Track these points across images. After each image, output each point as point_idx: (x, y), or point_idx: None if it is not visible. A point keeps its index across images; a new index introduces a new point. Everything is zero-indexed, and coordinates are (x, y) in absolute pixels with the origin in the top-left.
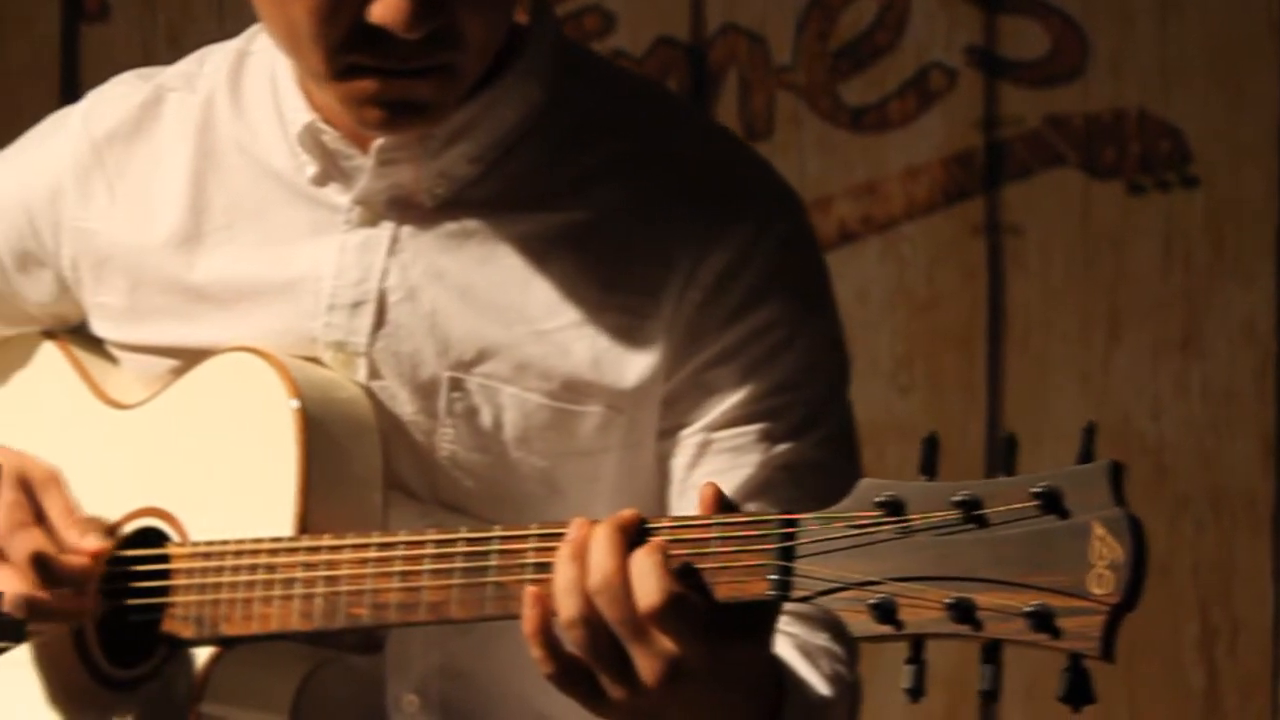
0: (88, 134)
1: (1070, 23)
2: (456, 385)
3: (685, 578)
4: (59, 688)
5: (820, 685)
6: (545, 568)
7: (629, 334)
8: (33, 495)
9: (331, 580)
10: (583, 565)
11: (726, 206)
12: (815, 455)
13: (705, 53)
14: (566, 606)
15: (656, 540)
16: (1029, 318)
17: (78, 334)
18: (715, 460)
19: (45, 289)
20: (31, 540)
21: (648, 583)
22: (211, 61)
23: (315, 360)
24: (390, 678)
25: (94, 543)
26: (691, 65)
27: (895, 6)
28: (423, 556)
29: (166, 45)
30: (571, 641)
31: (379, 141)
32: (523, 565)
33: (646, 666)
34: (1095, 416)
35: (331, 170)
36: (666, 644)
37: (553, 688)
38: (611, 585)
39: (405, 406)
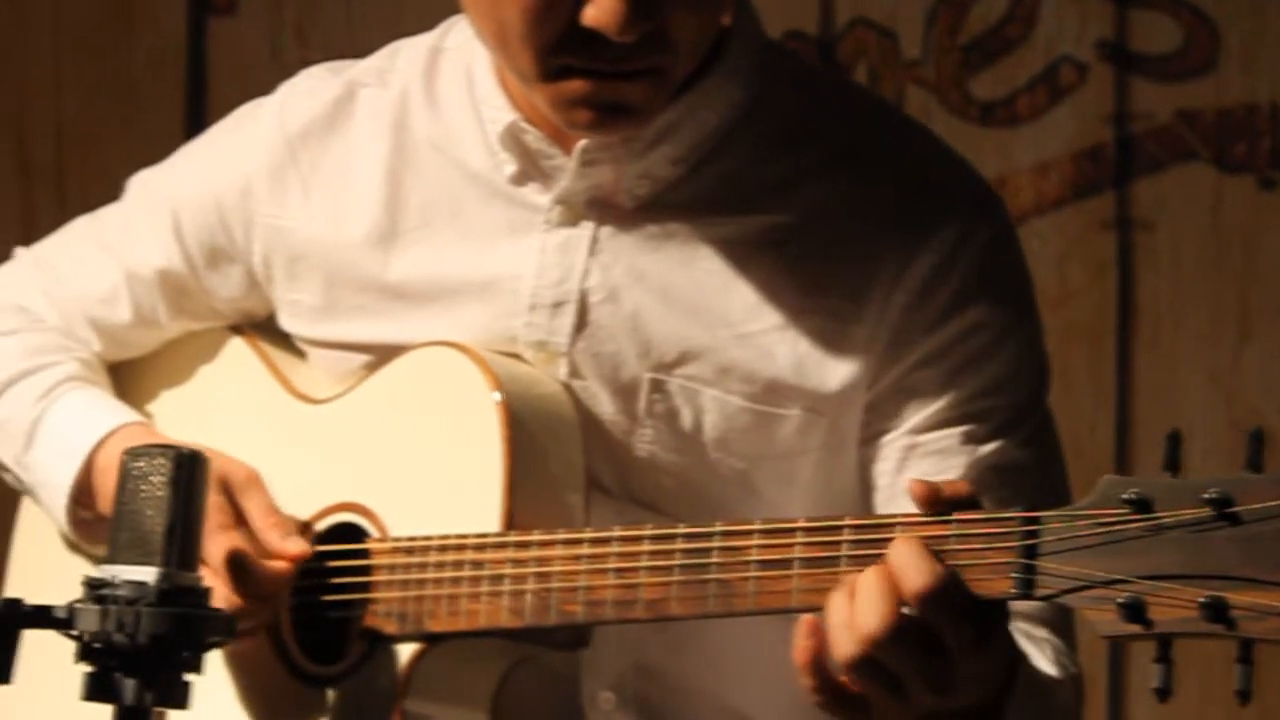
0: (281, 129)
1: (1202, 16)
2: (657, 387)
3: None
4: (255, 684)
5: (1047, 667)
6: (769, 565)
7: (832, 338)
8: (233, 497)
9: (543, 577)
10: (853, 604)
11: (931, 209)
12: (1021, 456)
13: (834, 47)
14: (842, 644)
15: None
16: (1159, 314)
17: (263, 328)
18: (922, 464)
19: (234, 285)
20: (229, 543)
21: (916, 565)
22: (403, 57)
23: (515, 356)
24: (585, 675)
25: (295, 546)
26: (821, 59)
27: (1026, 1)
28: (639, 553)
29: (294, 39)
30: (845, 673)
31: (582, 142)
32: (746, 562)
33: (930, 672)
34: (1224, 414)
35: (530, 170)
36: (948, 652)
37: (747, 686)
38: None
39: (605, 406)
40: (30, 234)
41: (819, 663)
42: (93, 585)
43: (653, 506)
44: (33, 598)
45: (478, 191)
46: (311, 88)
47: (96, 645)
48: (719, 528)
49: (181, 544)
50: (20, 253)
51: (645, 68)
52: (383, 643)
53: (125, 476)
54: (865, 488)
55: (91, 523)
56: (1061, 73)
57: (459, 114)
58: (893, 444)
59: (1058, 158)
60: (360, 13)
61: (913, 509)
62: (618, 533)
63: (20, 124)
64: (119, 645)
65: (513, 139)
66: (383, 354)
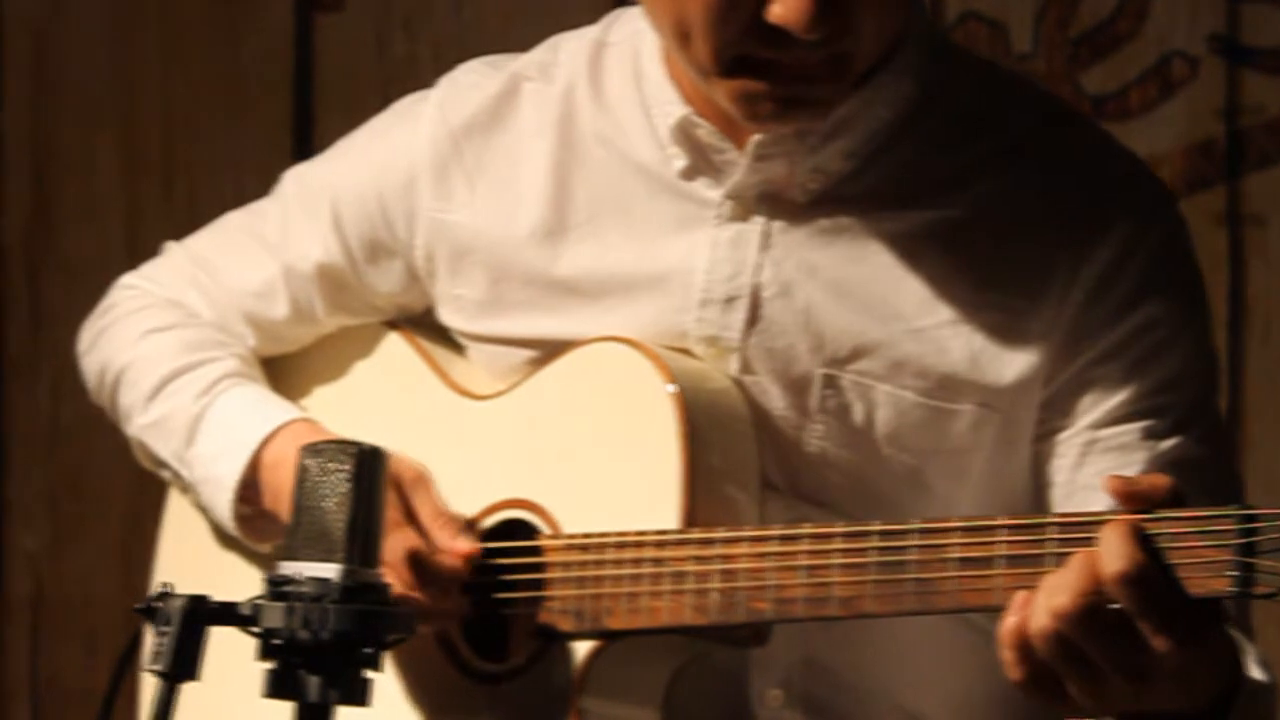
0: (445, 124)
1: None
2: (830, 382)
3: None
4: (422, 682)
5: (1258, 673)
6: (971, 563)
7: (1007, 332)
8: (403, 494)
9: (728, 574)
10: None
11: (1107, 203)
12: (1199, 451)
13: None
14: (1036, 616)
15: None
16: (1270, 309)
17: (419, 324)
18: (1101, 460)
19: (394, 279)
20: (405, 540)
21: (1117, 549)
22: (566, 51)
23: (685, 352)
24: (754, 672)
25: (465, 544)
26: None
27: None
28: (831, 550)
29: (401, 34)
30: (1041, 650)
31: (756, 137)
32: (945, 560)
33: (1124, 660)
34: None
35: (701, 164)
36: (1144, 643)
37: (915, 683)
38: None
39: (776, 402)
40: (137, 229)
41: (1021, 638)
42: (275, 582)
43: (821, 502)
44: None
45: (646, 186)
46: (473, 82)
47: (279, 642)
48: (916, 525)
49: (364, 541)
50: (171, 246)
51: (828, 61)
52: (557, 640)
53: (304, 473)
54: (1040, 484)
55: (253, 518)
56: (1173, 66)
57: (626, 108)
58: (1070, 440)
59: (1169, 152)
60: (469, 7)
61: (1094, 505)
62: (808, 530)
63: (128, 120)
64: (302, 642)
65: (684, 133)
66: (548, 349)
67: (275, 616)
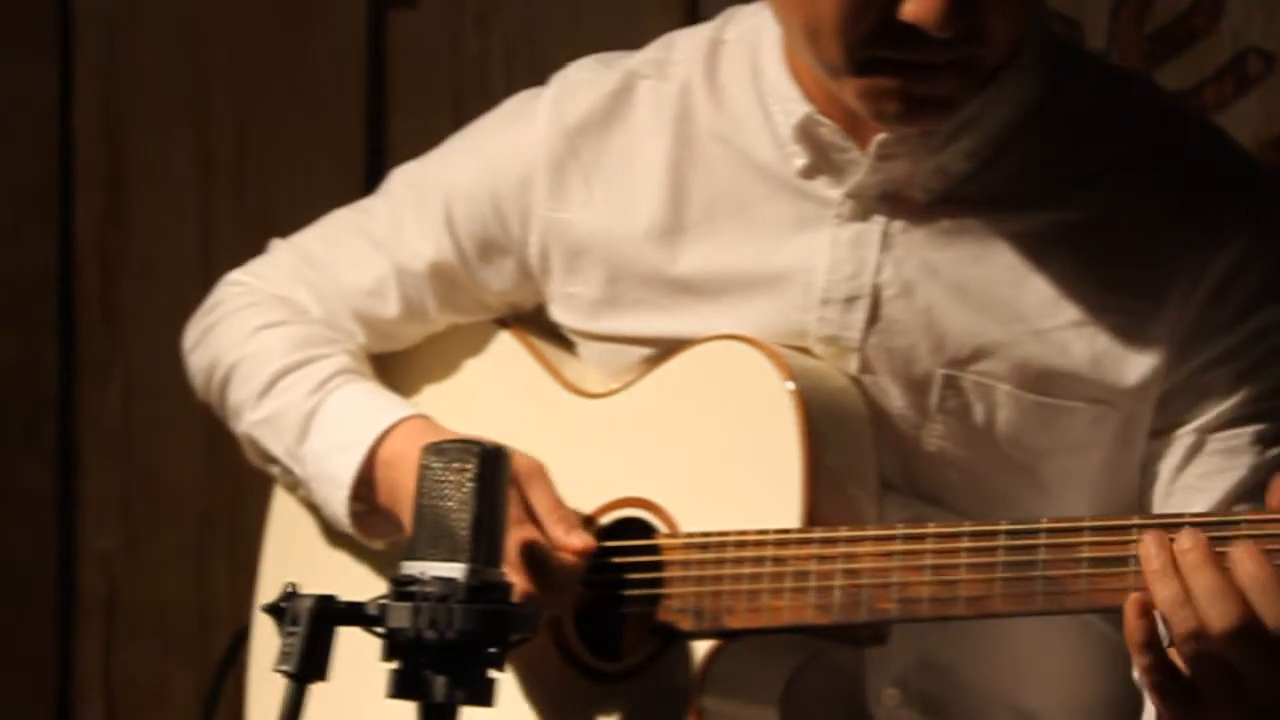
0: (560, 122)
1: None
2: (951, 382)
3: None
4: (539, 681)
5: None
6: (1102, 562)
7: (1129, 334)
8: (520, 489)
9: (852, 574)
10: (1181, 578)
11: (1228, 206)
12: None
13: None
14: (1180, 620)
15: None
16: None
17: (528, 322)
18: (1207, 461)
19: (506, 278)
20: (521, 535)
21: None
22: (681, 49)
23: (804, 351)
24: (870, 672)
25: (581, 539)
26: None
27: None
28: (958, 550)
29: (474, 31)
30: (1182, 654)
31: (880, 136)
32: (1076, 560)
33: (1256, 677)
34: None
35: (821, 163)
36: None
37: (1031, 683)
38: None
39: (895, 401)
40: (209, 231)
41: (1152, 642)
42: (399, 582)
43: (937, 501)
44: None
45: (764, 184)
46: (586, 80)
47: (405, 642)
48: (1045, 524)
49: (488, 540)
50: (278, 243)
51: (957, 60)
52: (676, 639)
53: (427, 472)
54: (1145, 481)
55: (365, 515)
56: (1248, 63)
57: (744, 106)
58: (1180, 440)
59: (1246, 148)
60: (540, 4)
61: (1194, 505)
62: (933, 529)
63: (200, 121)
64: (429, 642)
65: (806, 132)
66: (664, 347)
67: (401, 616)
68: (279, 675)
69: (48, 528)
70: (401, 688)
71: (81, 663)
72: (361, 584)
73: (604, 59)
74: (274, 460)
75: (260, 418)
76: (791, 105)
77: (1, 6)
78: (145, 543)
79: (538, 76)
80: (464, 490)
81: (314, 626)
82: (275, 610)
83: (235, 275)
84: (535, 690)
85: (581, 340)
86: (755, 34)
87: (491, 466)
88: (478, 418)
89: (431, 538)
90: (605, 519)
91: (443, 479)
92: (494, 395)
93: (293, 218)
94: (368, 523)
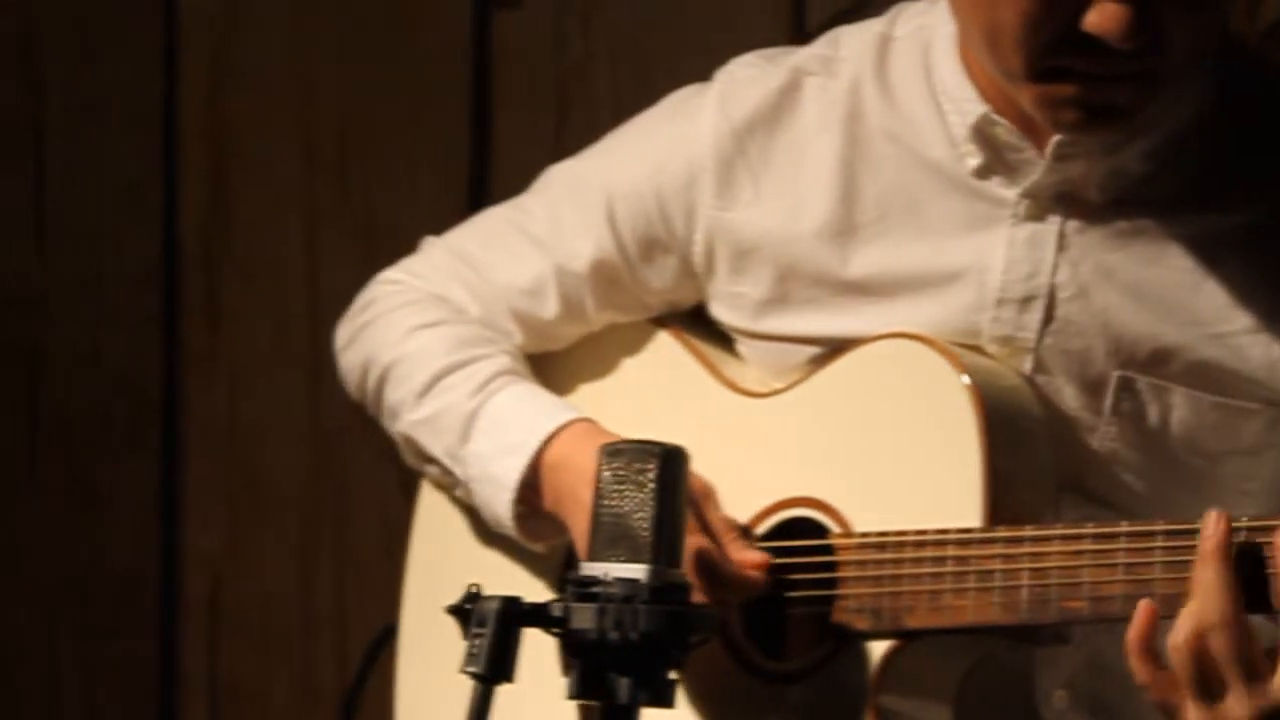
0: (727, 120)
1: None
2: (1126, 384)
3: None
4: (710, 683)
5: None
6: None
7: None
8: (693, 505)
9: (1038, 573)
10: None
11: None
12: None
13: None
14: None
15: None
16: None
17: (685, 321)
18: None
19: (668, 276)
20: (695, 543)
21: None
22: (848, 46)
23: (977, 350)
24: (1040, 674)
25: (755, 556)
26: None
27: None
28: (1153, 549)
29: (578, 31)
30: (1172, 661)
31: (1057, 136)
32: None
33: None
34: None
35: (996, 163)
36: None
37: None
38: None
39: (1069, 402)
40: (314, 227)
41: (1148, 645)
42: (580, 583)
43: (1107, 503)
44: (437, 591)
45: (937, 183)
46: (752, 77)
47: (587, 643)
48: (1244, 523)
49: (669, 541)
50: (431, 241)
51: (1138, 71)
52: (851, 639)
53: (606, 474)
54: None
55: (527, 518)
56: None
57: (916, 105)
58: None
59: None
60: (646, 4)
61: None
62: (1125, 528)
63: (305, 118)
64: (611, 643)
65: (981, 132)
66: (831, 347)
67: (586, 617)
68: (430, 676)
69: (151, 526)
70: (584, 688)
71: (184, 662)
72: (511, 585)
73: (767, 55)
74: (433, 461)
75: (420, 418)
76: (967, 105)
77: (107, 5)
78: (249, 541)
79: (641, 75)
80: (645, 491)
81: (501, 628)
82: (460, 612)
83: (389, 274)
84: (705, 691)
85: (744, 339)
86: (926, 31)
87: (672, 467)
88: (639, 419)
89: (610, 539)
90: (773, 519)
91: (622, 480)
92: (654, 396)
93: (397, 216)
94: (530, 526)
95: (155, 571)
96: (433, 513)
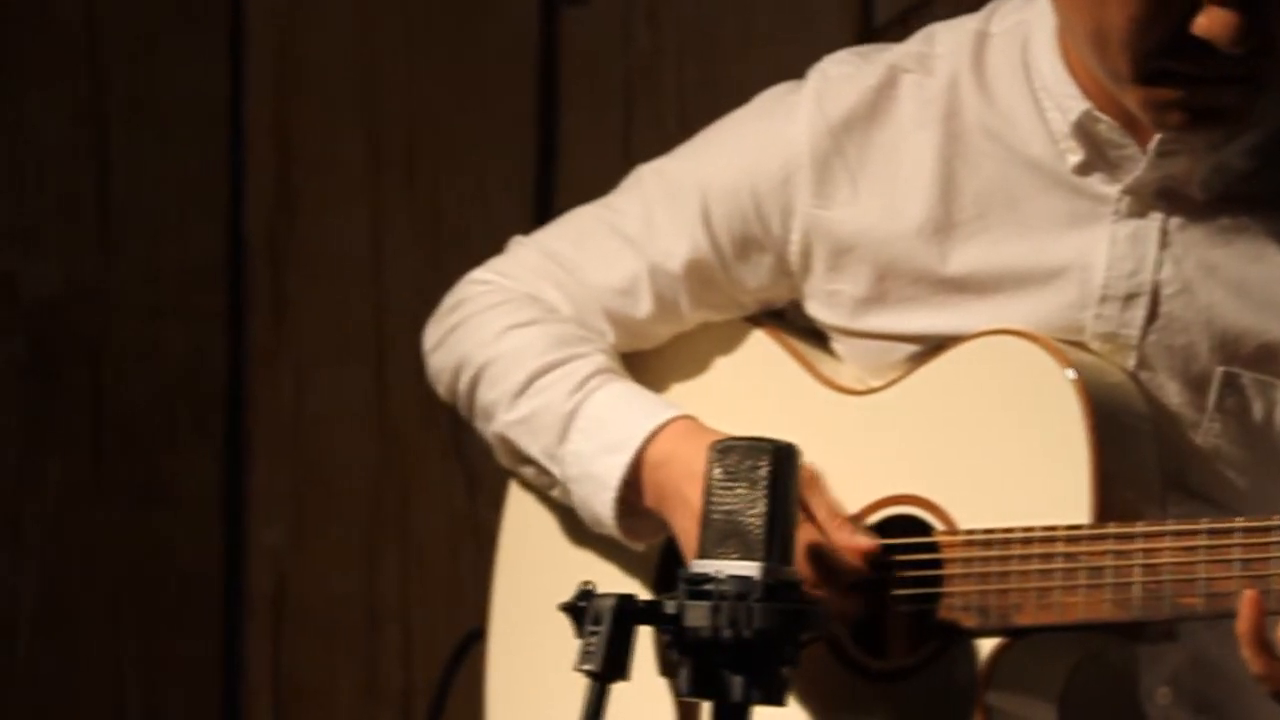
0: (824, 118)
1: None
2: (1230, 381)
3: None
4: (813, 681)
5: None
6: None
7: None
8: (800, 493)
9: (1151, 569)
10: None
11: None
12: None
13: None
14: None
15: None
16: None
17: (779, 319)
18: None
19: (763, 274)
20: (805, 535)
21: None
22: (943, 43)
23: (1079, 346)
24: (1144, 671)
25: (866, 541)
26: None
27: None
28: (1269, 544)
29: (646, 26)
30: None
31: (1159, 134)
32: None
33: None
34: None
35: (1097, 160)
36: None
37: None
38: None
39: (1172, 398)
40: (379, 223)
41: (1260, 634)
42: (692, 581)
43: (1209, 499)
44: (527, 592)
45: (1037, 180)
46: (847, 74)
47: (699, 641)
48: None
49: (781, 538)
50: (520, 241)
51: (1244, 74)
52: (958, 637)
53: (715, 471)
54: None
55: (627, 516)
56: None
57: (1015, 101)
58: None
59: None
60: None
61: None
62: (1241, 523)
63: (371, 113)
64: (724, 641)
65: (1083, 129)
66: (930, 345)
67: (700, 615)
68: (521, 677)
69: (215, 522)
70: (696, 686)
71: (249, 659)
72: (603, 585)
73: (860, 52)
74: (529, 461)
75: (516, 418)
76: (1069, 101)
77: (173, 2)
78: (314, 537)
79: (708, 71)
80: (757, 488)
81: (616, 625)
82: (573, 610)
83: (478, 274)
84: (808, 690)
85: (841, 337)
86: (1023, 27)
87: (784, 464)
88: (736, 417)
89: (721, 536)
90: (874, 517)
91: (733, 478)
92: (750, 393)
93: (463, 212)
94: (629, 524)
95: (219, 568)
96: (521, 514)
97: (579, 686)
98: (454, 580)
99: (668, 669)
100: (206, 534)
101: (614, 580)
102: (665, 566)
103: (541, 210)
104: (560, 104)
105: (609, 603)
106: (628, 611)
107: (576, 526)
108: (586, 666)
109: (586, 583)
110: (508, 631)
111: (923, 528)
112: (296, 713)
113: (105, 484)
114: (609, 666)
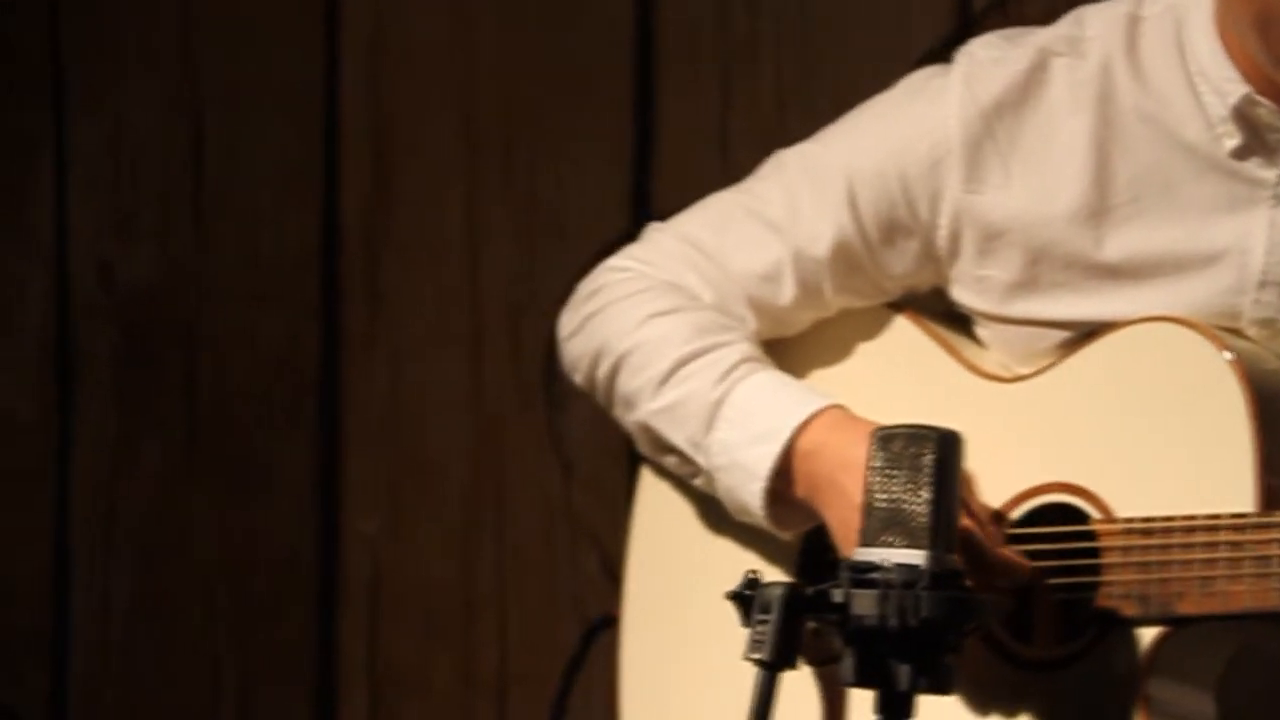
0: (975, 102)
1: None
2: None
3: None
4: (964, 670)
5: None
6: None
7: None
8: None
9: None
10: None
11: None
12: None
13: None
14: None
15: None
16: None
17: (920, 305)
18: None
19: (908, 260)
20: (962, 528)
21: None
22: (1093, 26)
23: (1235, 332)
24: None
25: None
26: None
27: None
28: None
29: (743, 11)
30: None
31: None
32: None
33: None
34: None
35: (1255, 144)
36: None
37: None
38: None
39: None
40: (475, 209)
41: None
42: (856, 569)
43: None
44: (661, 581)
45: (1192, 164)
46: (996, 58)
47: (865, 630)
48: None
49: (946, 527)
50: (657, 228)
51: None
52: (1117, 626)
53: (878, 458)
54: None
55: (774, 505)
56: None
57: (1170, 85)
58: None
59: None
60: None
61: None
62: None
63: (467, 99)
64: (891, 630)
65: (1242, 113)
66: (1083, 331)
67: (867, 604)
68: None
69: (310, 510)
70: (862, 675)
71: (344, 646)
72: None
73: (1006, 35)
74: (672, 450)
75: (659, 407)
76: (1227, 85)
77: None
78: (410, 524)
79: (806, 56)
80: (921, 476)
81: (786, 614)
82: (740, 598)
83: (616, 261)
84: (963, 679)
85: (988, 323)
86: (1177, 10)
87: (949, 451)
88: (882, 404)
89: (884, 525)
90: (1027, 504)
91: (897, 466)
92: (895, 380)
93: (559, 197)
94: (778, 514)
95: (315, 556)
96: (654, 502)
97: (715, 673)
98: (550, 567)
99: (815, 657)
100: (302, 521)
101: (743, 566)
102: (808, 555)
103: (638, 196)
104: (657, 89)
105: (778, 591)
106: (797, 600)
107: (713, 515)
108: (756, 655)
109: (752, 571)
110: (642, 619)
111: (1076, 515)
112: (392, 701)
113: (200, 471)
114: (779, 655)
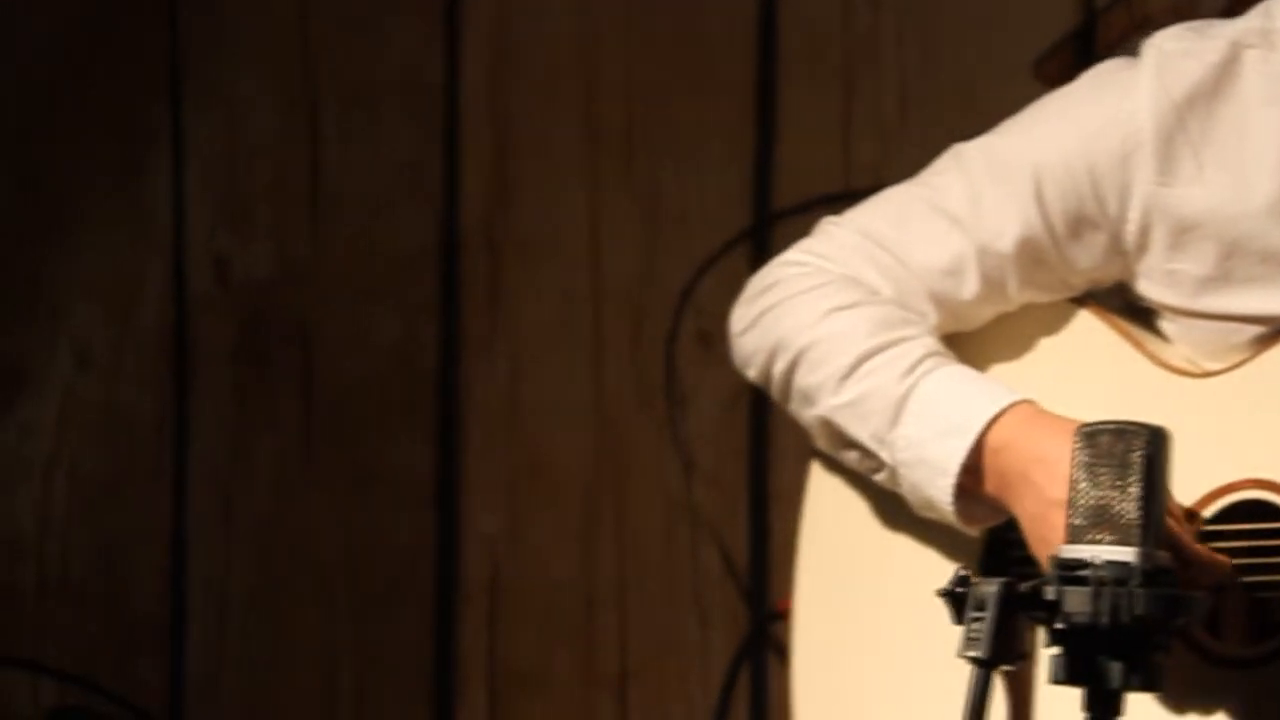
0: (1166, 95)
1: None
2: None
3: None
4: None
5: None
6: None
7: None
8: None
9: None
10: None
11: None
12: None
13: None
14: None
15: None
16: None
17: (1101, 299)
18: None
19: (1095, 254)
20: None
21: None
22: None
23: None
24: None
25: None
26: None
27: None
28: None
29: (866, 5)
30: None
31: None
32: None
33: None
34: None
35: None
36: None
37: None
38: None
39: None
40: (597, 205)
41: None
42: (1065, 566)
43: None
44: (835, 577)
45: None
46: (1186, 50)
47: (1076, 627)
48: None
49: (1156, 524)
50: (833, 222)
51: None
52: None
53: (1085, 456)
54: None
55: (961, 500)
56: None
57: None
58: None
59: None
60: None
61: None
62: None
63: (589, 94)
64: (1102, 627)
65: None
66: (1277, 326)
67: (1078, 601)
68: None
69: (428, 510)
70: (1069, 673)
71: (463, 645)
72: (920, 570)
73: (1195, 27)
74: (854, 445)
75: (842, 402)
76: None
77: None
78: (529, 524)
79: (929, 50)
80: (1130, 473)
81: (1002, 612)
82: (952, 596)
83: (791, 256)
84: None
85: (1176, 317)
86: None
87: (1158, 447)
88: (1069, 400)
89: (1092, 522)
90: (1221, 501)
91: (1104, 462)
92: (1081, 376)
93: (681, 194)
94: (964, 509)
95: (433, 554)
96: (825, 498)
97: (892, 669)
98: (670, 565)
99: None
100: (419, 520)
101: (934, 564)
102: (992, 551)
103: (760, 192)
104: (779, 85)
105: (992, 589)
106: (1013, 598)
107: (888, 509)
108: (972, 653)
109: (963, 568)
110: (814, 615)
111: (1274, 513)
112: (513, 699)
113: (316, 468)
114: (996, 653)
